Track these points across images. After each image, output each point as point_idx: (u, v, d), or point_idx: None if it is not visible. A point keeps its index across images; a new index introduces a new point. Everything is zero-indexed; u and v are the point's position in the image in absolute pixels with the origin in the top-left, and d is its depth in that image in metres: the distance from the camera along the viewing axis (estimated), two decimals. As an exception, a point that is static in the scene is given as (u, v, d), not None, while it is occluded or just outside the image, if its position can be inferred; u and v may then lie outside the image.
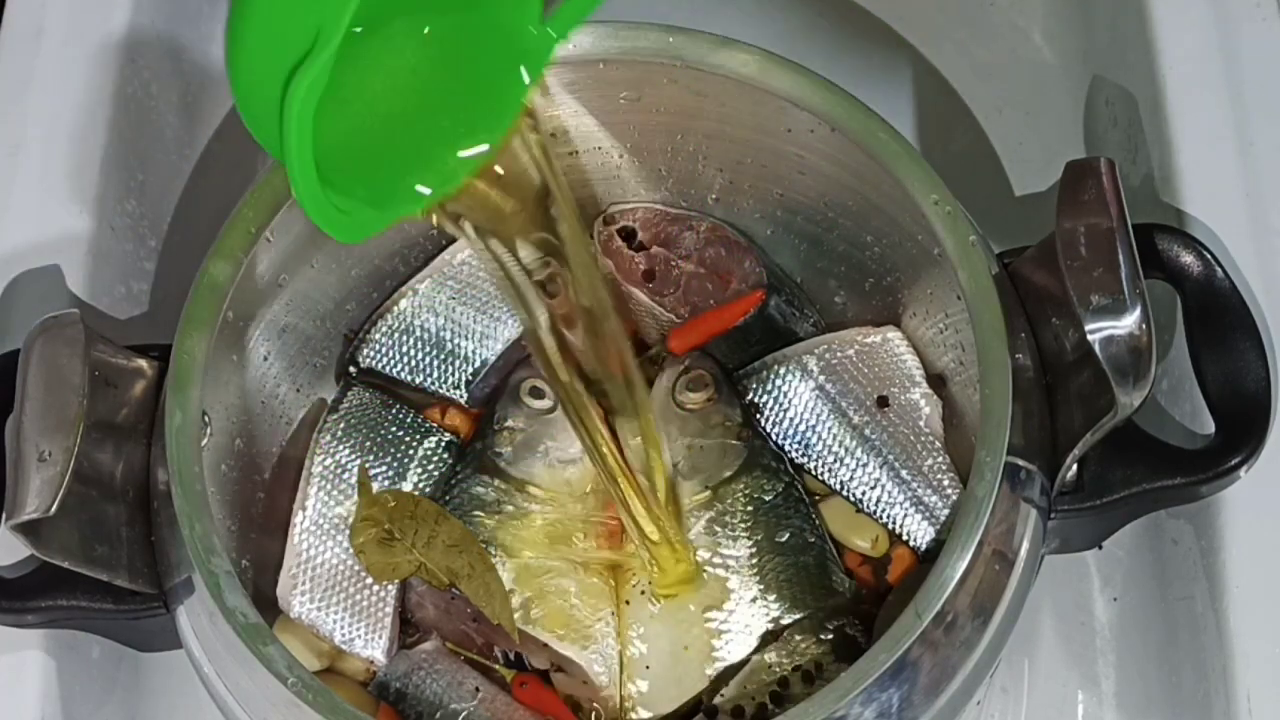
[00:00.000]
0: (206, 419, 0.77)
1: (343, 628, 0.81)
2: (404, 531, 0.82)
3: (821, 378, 0.85)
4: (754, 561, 0.81)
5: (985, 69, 1.08)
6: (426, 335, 0.89)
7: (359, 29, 0.64)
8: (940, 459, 0.83)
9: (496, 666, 0.82)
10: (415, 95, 0.67)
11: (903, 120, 1.06)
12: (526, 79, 0.68)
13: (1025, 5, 1.10)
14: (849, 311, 0.90)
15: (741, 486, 0.83)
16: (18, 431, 0.73)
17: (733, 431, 0.85)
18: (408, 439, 0.86)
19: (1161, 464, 0.77)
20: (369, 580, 0.82)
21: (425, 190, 0.67)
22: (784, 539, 0.82)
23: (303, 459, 0.85)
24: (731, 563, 0.81)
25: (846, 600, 0.81)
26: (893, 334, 0.86)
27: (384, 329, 0.89)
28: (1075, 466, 0.77)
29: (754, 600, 0.80)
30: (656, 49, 0.83)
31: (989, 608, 0.73)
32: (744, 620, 0.80)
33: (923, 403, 0.84)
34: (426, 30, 0.67)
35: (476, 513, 0.83)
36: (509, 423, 0.86)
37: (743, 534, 0.82)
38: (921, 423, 0.84)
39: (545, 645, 0.79)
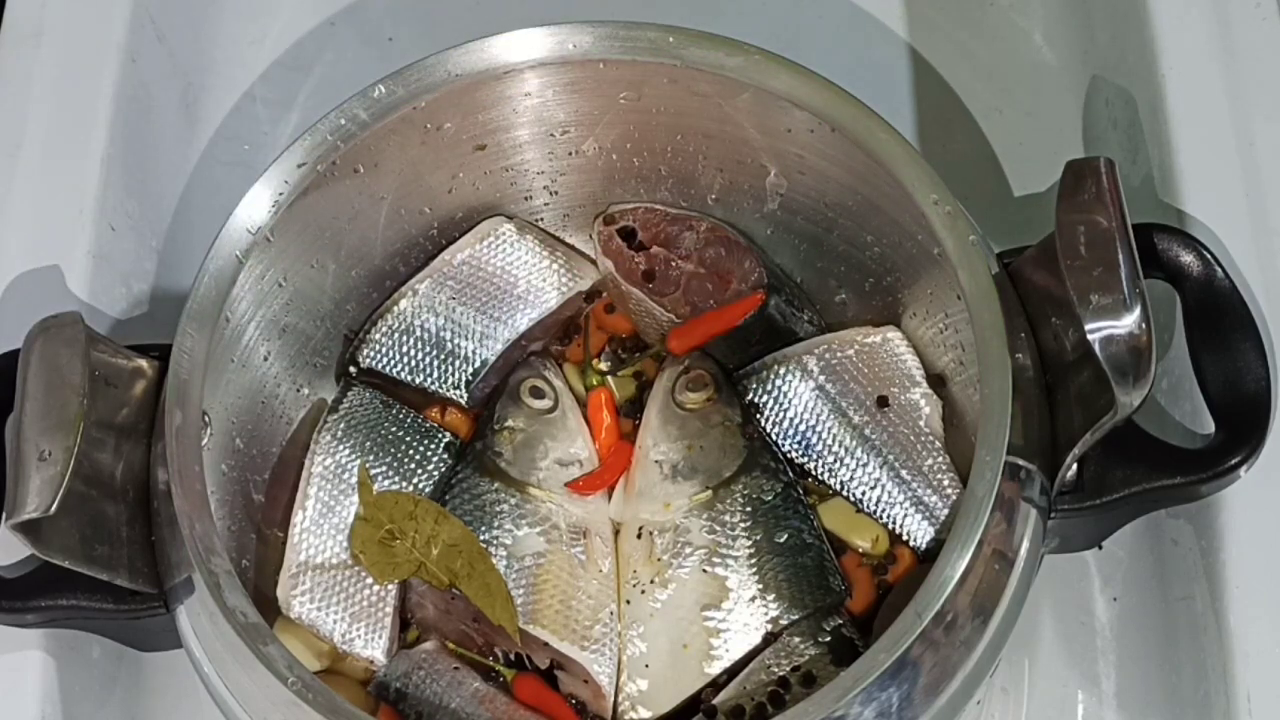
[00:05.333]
0: (206, 419, 0.77)
1: (343, 628, 0.81)
2: (404, 531, 0.82)
3: (821, 378, 0.85)
4: (753, 561, 0.81)
5: (985, 69, 1.08)
6: (426, 335, 0.89)
7: None
8: (940, 459, 0.83)
9: (496, 666, 0.82)
10: None
11: (903, 120, 1.06)
12: None
13: (1025, 5, 1.10)
14: (849, 311, 0.90)
15: (741, 486, 0.83)
16: (18, 431, 0.73)
17: (733, 431, 0.85)
18: (408, 439, 0.86)
19: (1161, 463, 0.77)
20: (369, 580, 0.82)
21: None
22: (783, 539, 0.82)
23: (303, 459, 0.85)
24: (731, 562, 0.81)
25: (844, 601, 0.81)
26: (893, 334, 0.86)
27: (384, 329, 0.89)
28: (1075, 466, 0.77)
29: (752, 599, 0.80)
30: (656, 49, 0.83)
31: (989, 607, 0.73)
32: (743, 619, 0.80)
33: (923, 403, 0.84)
34: None
35: (476, 513, 0.83)
36: (509, 423, 0.86)
37: (742, 534, 0.82)
38: (921, 423, 0.84)
39: (545, 644, 0.79)
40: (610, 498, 0.86)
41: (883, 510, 0.83)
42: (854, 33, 1.10)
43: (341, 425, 0.86)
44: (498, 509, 0.83)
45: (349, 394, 0.87)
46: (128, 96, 0.97)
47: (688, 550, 0.82)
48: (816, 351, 0.86)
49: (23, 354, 0.76)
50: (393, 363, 0.88)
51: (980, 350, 0.75)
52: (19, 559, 0.79)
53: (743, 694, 0.78)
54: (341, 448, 0.85)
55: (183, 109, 1.06)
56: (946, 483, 0.83)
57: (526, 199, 0.92)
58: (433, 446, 0.86)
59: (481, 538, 0.82)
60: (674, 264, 0.90)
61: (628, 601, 0.81)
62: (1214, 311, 0.79)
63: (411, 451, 0.86)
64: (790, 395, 0.85)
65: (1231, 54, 0.92)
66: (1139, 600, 0.89)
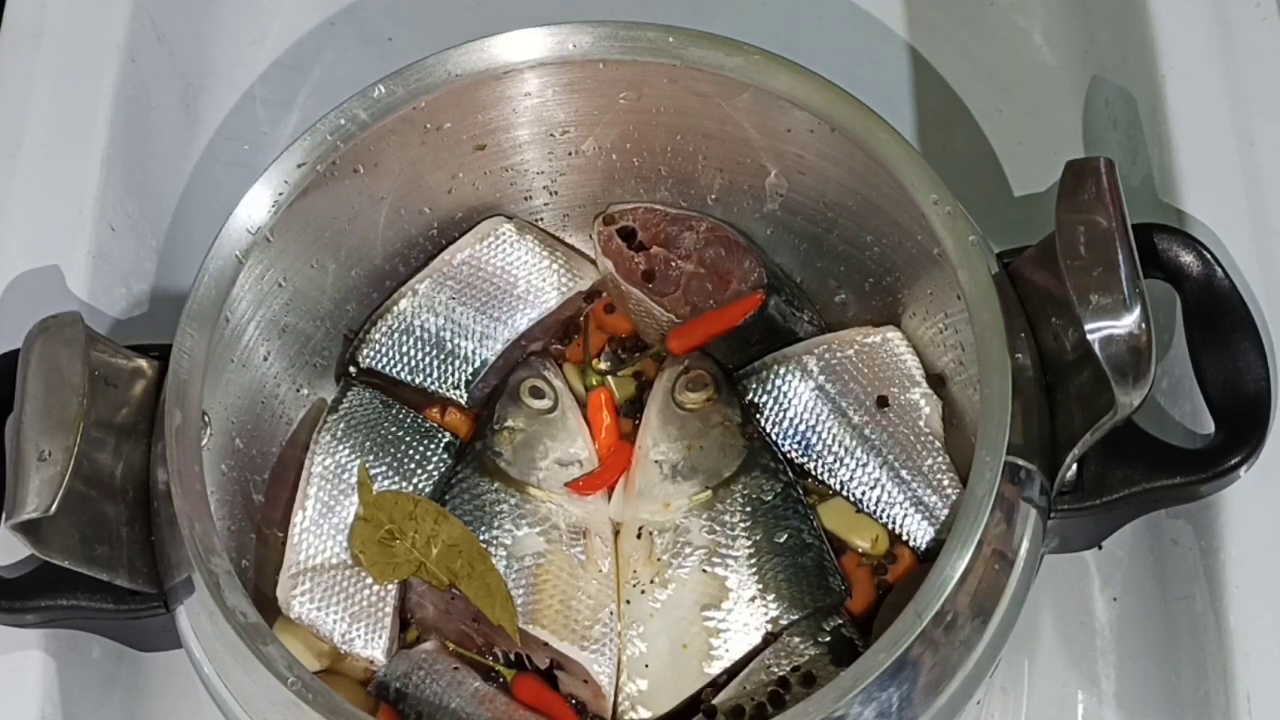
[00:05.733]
0: (206, 419, 0.77)
1: (342, 628, 0.81)
2: (404, 531, 0.82)
3: (821, 378, 0.85)
4: (753, 561, 0.81)
5: (985, 69, 1.08)
6: (426, 335, 0.89)
7: None
8: (940, 459, 0.83)
9: (496, 666, 0.82)
10: None
11: (903, 120, 1.05)
12: None
13: (1025, 5, 1.10)
14: (849, 311, 0.90)
15: (741, 487, 0.83)
16: (18, 431, 0.73)
17: (732, 431, 0.85)
18: (408, 439, 0.86)
19: (1161, 463, 0.77)
20: (369, 580, 0.82)
21: None
22: (782, 539, 0.82)
23: (303, 459, 0.85)
24: (730, 562, 0.81)
25: (844, 601, 0.81)
26: (893, 334, 0.86)
27: (384, 329, 0.89)
28: (1075, 466, 0.77)
29: (752, 599, 0.80)
30: (656, 49, 0.83)
31: (989, 607, 0.73)
32: (742, 619, 0.80)
33: (923, 403, 0.84)
34: None
35: (476, 513, 0.83)
36: (509, 423, 0.86)
37: (741, 534, 0.82)
38: (921, 423, 0.84)
39: (545, 644, 0.79)
40: (610, 498, 0.86)
41: (882, 510, 0.83)
42: (854, 33, 1.10)
43: (341, 425, 0.86)
44: (498, 509, 0.83)
45: (349, 394, 0.87)
46: (128, 96, 0.97)
47: (687, 550, 0.82)
48: (816, 351, 0.86)
49: (22, 354, 0.76)
50: (393, 363, 0.88)
51: (980, 350, 0.75)
52: (19, 559, 0.79)
53: (743, 694, 0.78)
54: (341, 448, 0.85)
55: (183, 109, 1.06)
56: (946, 483, 0.83)
57: (526, 199, 0.92)
58: (433, 446, 0.86)
59: (481, 538, 0.82)
60: (674, 264, 0.90)
61: (628, 601, 0.81)
62: (1214, 311, 0.79)
63: (411, 451, 0.86)
64: (790, 395, 0.85)
65: (1231, 54, 0.92)
66: (1139, 600, 0.89)
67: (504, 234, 0.90)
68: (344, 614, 0.81)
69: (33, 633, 0.80)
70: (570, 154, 0.89)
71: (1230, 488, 0.78)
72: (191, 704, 0.87)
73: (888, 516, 0.83)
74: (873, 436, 0.84)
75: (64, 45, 0.97)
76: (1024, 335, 0.78)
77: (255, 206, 0.80)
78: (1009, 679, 0.89)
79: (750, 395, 0.86)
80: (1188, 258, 0.80)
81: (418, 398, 0.89)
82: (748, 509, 0.83)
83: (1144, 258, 0.75)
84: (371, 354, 0.88)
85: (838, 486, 0.84)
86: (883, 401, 0.84)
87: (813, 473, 0.85)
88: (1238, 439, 0.77)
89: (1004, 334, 0.75)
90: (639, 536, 0.83)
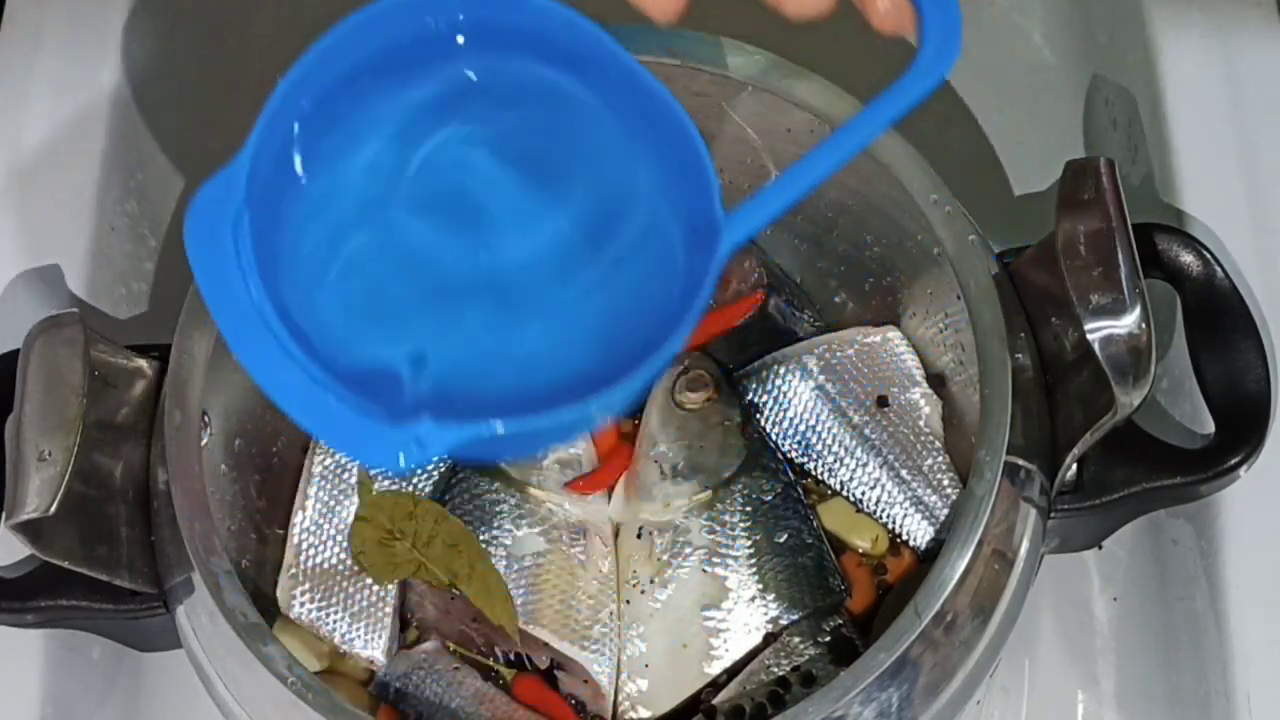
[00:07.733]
0: (206, 419, 0.77)
1: (342, 628, 0.81)
2: (404, 531, 0.82)
3: (821, 378, 0.85)
4: (752, 561, 0.81)
5: (985, 69, 1.08)
6: (426, 335, 0.88)
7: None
8: (940, 458, 0.83)
9: (496, 666, 0.82)
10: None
11: (902, 120, 1.05)
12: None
13: (1025, 5, 1.10)
14: (849, 311, 0.90)
15: (740, 487, 0.83)
16: (17, 431, 0.73)
17: (732, 431, 0.85)
18: (407, 439, 0.86)
19: (1161, 463, 0.77)
20: (369, 580, 0.82)
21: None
22: (782, 539, 0.82)
23: (303, 459, 0.85)
24: (730, 562, 0.81)
25: (843, 601, 0.82)
26: (893, 334, 0.86)
27: (384, 329, 0.88)
28: (1075, 466, 0.77)
29: (752, 600, 0.80)
30: (657, 49, 0.83)
31: (989, 607, 0.73)
32: (742, 619, 0.80)
33: (923, 402, 0.84)
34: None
35: (476, 513, 0.83)
36: (509, 423, 0.86)
37: (741, 534, 0.82)
38: (921, 422, 0.84)
39: (545, 644, 0.79)
40: (610, 498, 0.86)
41: (882, 510, 0.83)
42: (854, 32, 1.10)
43: (341, 425, 0.85)
44: (497, 509, 0.83)
45: (349, 394, 0.87)
46: (127, 96, 0.97)
47: (687, 550, 0.82)
48: (816, 351, 0.86)
49: (22, 354, 0.76)
50: (392, 363, 0.88)
51: (980, 350, 0.75)
52: (19, 559, 0.79)
53: (742, 694, 0.78)
54: (341, 448, 0.85)
55: (182, 109, 1.05)
56: (946, 482, 0.83)
57: (526, 199, 0.91)
58: (433, 446, 0.86)
59: (481, 538, 0.82)
60: (674, 264, 0.90)
61: (627, 601, 0.81)
62: (1214, 311, 0.79)
63: (411, 451, 0.86)
64: (790, 395, 0.85)
65: (1232, 53, 0.92)
66: (1139, 600, 0.89)
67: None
68: (344, 614, 0.81)
69: (33, 633, 0.80)
70: (570, 154, 0.89)
71: (1230, 488, 0.78)
72: (191, 704, 0.87)
73: (888, 516, 0.83)
74: (873, 436, 0.84)
75: (64, 45, 0.97)
76: (1024, 335, 0.78)
77: (255, 206, 0.80)
78: (1009, 679, 0.89)
79: (750, 395, 0.86)
80: (1188, 258, 0.80)
81: (418, 398, 0.89)
82: (748, 509, 0.83)
83: (1144, 257, 0.75)
84: (371, 354, 0.88)
85: (838, 486, 0.84)
86: (883, 401, 0.84)
87: (813, 473, 0.85)
88: (1238, 439, 0.77)
89: (1004, 334, 0.75)
90: (639, 536, 0.83)
